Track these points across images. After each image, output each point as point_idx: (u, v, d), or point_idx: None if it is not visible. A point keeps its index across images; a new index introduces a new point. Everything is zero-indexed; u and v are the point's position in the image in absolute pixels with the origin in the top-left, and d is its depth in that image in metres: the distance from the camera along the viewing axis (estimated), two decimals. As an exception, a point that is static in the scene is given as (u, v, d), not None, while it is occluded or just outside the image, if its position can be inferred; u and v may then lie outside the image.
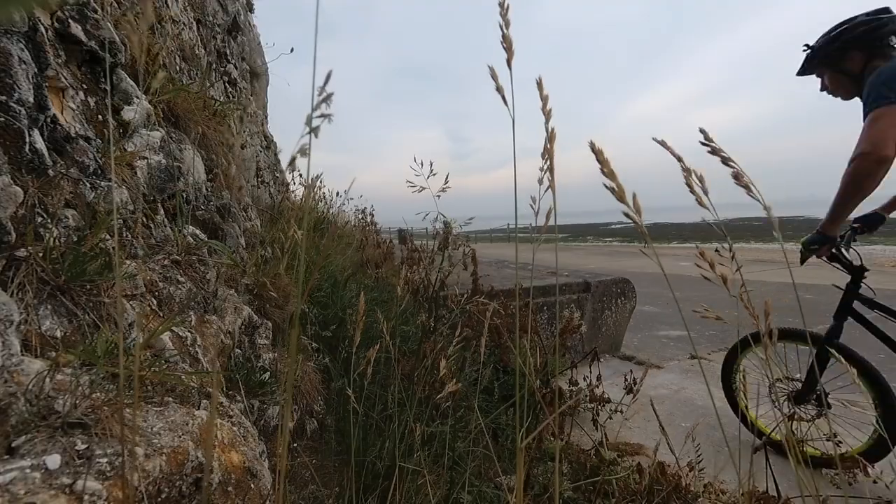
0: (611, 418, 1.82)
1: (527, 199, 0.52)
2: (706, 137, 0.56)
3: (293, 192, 3.64)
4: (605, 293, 3.36)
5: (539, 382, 1.76)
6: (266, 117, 3.69)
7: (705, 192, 0.55)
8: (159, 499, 0.52)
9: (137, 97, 1.09)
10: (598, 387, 1.88)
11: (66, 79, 0.86)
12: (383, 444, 1.25)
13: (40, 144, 0.72)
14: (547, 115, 0.48)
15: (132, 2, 1.26)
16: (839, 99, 1.68)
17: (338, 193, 4.00)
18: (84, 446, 0.49)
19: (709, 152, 0.57)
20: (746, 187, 0.55)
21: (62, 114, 0.83)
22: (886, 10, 1.52)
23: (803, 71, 1.73)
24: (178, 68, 1.64)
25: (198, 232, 1.23)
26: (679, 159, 0.56)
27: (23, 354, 0.54)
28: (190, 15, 1.92)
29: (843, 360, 0.68)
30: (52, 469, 0.45)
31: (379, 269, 3.03)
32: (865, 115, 1.42)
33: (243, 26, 2.82)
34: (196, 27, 2.00)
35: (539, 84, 0.47)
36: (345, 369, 1.63)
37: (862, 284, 1.67)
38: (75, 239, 0.72)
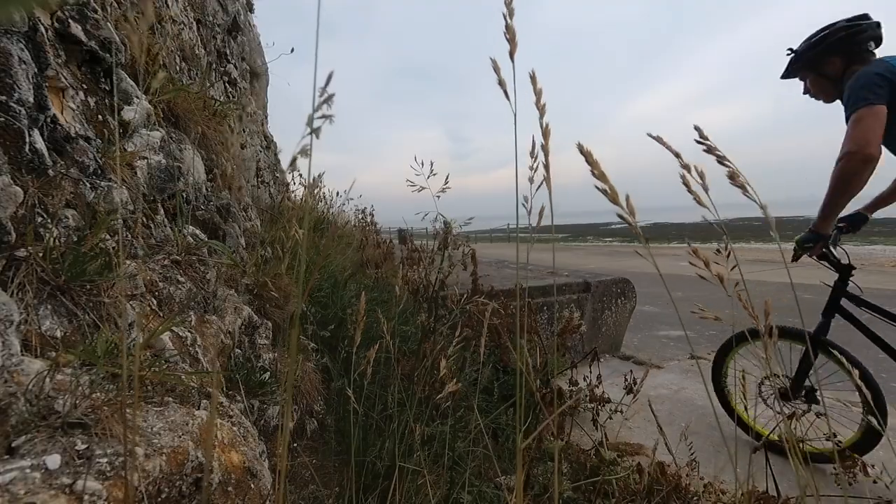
0: (611, 418, 1.82)
1: (523, 198, 0.52)
2: (701, 135, 0.56)
3: (293, 192, 3.64)
4: (605, 293, 3.36)
5: (539, 382, 1.76)
6: (266, 117, 3.70)
7: (705, 189, 0.55)
8: (159, 499, 0.52)
9: (137, 97, 1.09)
10: (597, 387, 1.88)
11: (66, 79, 0.86)
12: (383, 444, 1.25)
13: (40, 144, 0.72)
14: (541, 110, 0.47)
15: (132, 2, 1.26)
16: (821, 102, 1.73)
17: (338, 193, 4.01)
18: (84, 446, 0.49)
19: (704, 151, 0.57)
20: (742, 187, 0.55)
21: (62, 114, 0.83)
22: (865, 16, 1.58)
23: (787, 74, 1.79)
24: (178, 68, 1.64)
25: (198, 232, 1.23)
26: (677, 155, 0.55)
27: (23, 354, 0.54)
28: (190, 15, 1.92)
29: (841, 356, 0.68)
30: (52, 469, 0.45)
31: (379, 269, 3.03)
32: (848, 118, 1.47)
33: (243, 26, 2.82)
34: (196, 27, 2.00)
35: (532, 78, 0.47)
36: (345, 369, 1.63)
37: (849, 282, 1.71)
38: (75, 239, 0.72)
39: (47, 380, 0.52)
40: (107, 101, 1.02)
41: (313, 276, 1.86)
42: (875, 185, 1.71)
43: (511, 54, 0.48)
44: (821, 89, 1.70)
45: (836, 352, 1.66)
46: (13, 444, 0.46)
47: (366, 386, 1.28)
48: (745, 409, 2.00)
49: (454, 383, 0.90)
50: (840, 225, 1.83)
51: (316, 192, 3.29)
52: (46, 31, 0.83)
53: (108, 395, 0.56)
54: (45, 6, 0.81)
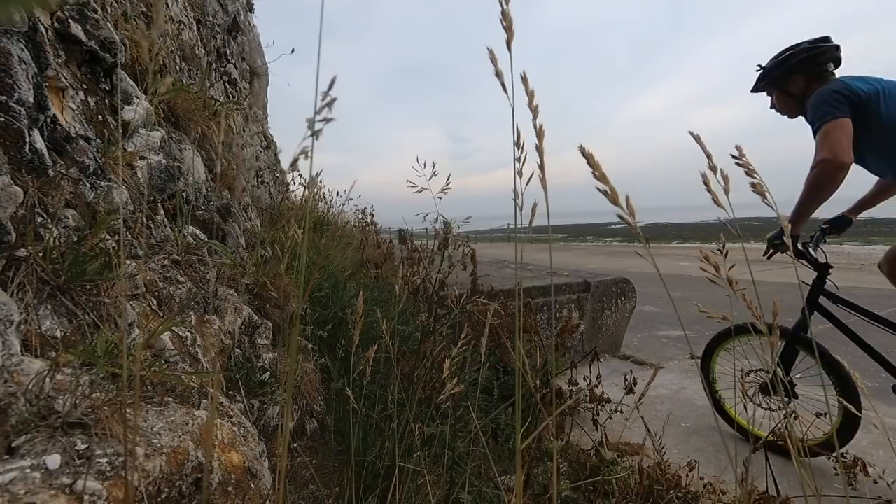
0: (611, 418, 1.82)
1: (520, 196, 0.51)
2: (740, 153, 0.58)
3: (293, 192, 3.64)
4: (605, 293, 3.36)
5: (539, 382, 1.77)
6: (266, 117, 3.69)
7: (726, 192, 0.57)
8: (159, 499, 0.52)
9: (137, 97, 1.09)
10: (597, 387, 1.88)
11: (66, 79, 0.86)
12: (383, 444, 1.25)
13: (40, 144, 0.72)
14: (534, 111, 0.47)
15: (132, 2, 1.26)
16: (786, 117, 1.85)
17: (338, 193, 4.01)
18: (84, 446, 0.49)
19: (736, 163, 0.58)
20: (762, 195, 0.57)
21: (62, 114, 0.83)
22: (827, 39, 1.71)
23: (756, 88, 1.90)
24: (178, 68, 1.64)
25: (198, 232, 1.23)
26: (709, 156, 0.58)
27: (23, 354, 0.54)
28: (190, 15, 1.92)
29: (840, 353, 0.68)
30: (52, 469, 0.45)
31: (379, 269, 3.03)
32: (815, 132, 1.58)
33: (243, 26, 2.82)
34: (196, 27, 2.00)
35: (524, 80, 0.46)
36: (345, 369, 1.63)
37: (827, 280, 1.79)
38: (75, 239, 0.72)
39: (47, 380, 0.52)
40: (107, 101, 1.02)
41: (313, 277, 1.86)
42: (858, 191, 1.88)
43: (508, 43, 0.47)
44: (785, 105, 1.82)
45: (806, 348, 1.78)
46: (13, 444, 0.46)
47: (366, 386, 1.28)
48: (721, 400, 2.08)
49: (454, 383, 0.90)
50: (825, 226, 1.95)
51: (315, 191, 3.29)
52: (46, 31, 0.83)
53: (108, 395, 0.56)
54: (45, 6, 0.81)
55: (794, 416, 1.49)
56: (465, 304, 1.57)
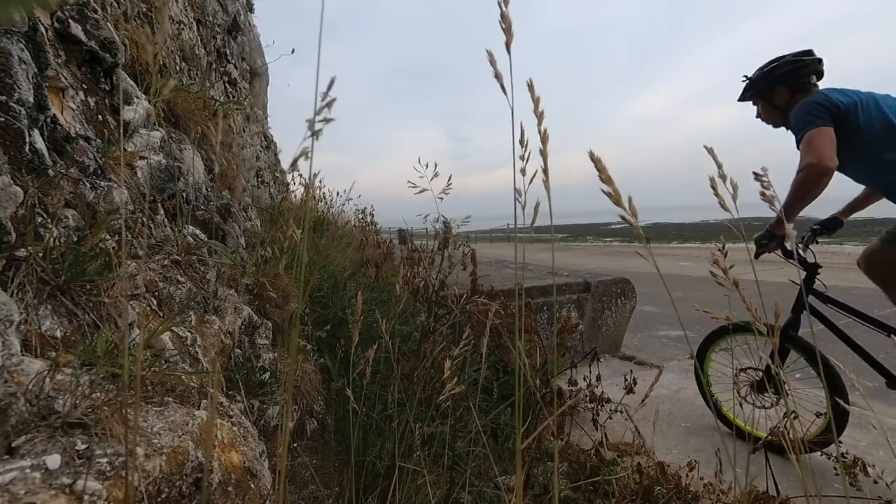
0: (611, 418, 1.82)
1: (521, 196, 0.52)
2: (763, 173, 0.61)
3: (293, 192, 3.64)
4: (605, 293, 3.36)
5: (539, 382, 1.77)
6: (266, 117, 3.69)
7: (734, 199, 0.59)
8: (159, 499, 0.52)
9: (137, 97, 1.09)
10: (597, 387, 1.88)
11: (66, 79, 0.86)
12: (383, 444, 1.25)
13: (40, 144, 0.72)
14: (539, 117, 0.48)
15: (132, 2, 1.26)
16: (770, 126, 1.94)
17: (338, 193, 4.01)
18: (84, 446, 0.49)
19: (755, 179, 0.61)
20: (770, 202, 0.60)
21: (62, 114, 0.83)
22: (809, 52, 1.79)
23: (742, 98, 1.97)
24: (178, 68, 1.64)
25: (198, 232, 1.23)
26: (719, 165, 0.60)
27: (23, 354, 0.54)
28: (190, 15, 1.92)
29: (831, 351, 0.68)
30: (52, 469, 0.45)
31: (379, 269, 3.02)
32: (798, 141, 1.64)
33: (243, 26, 2.82)
34: (196, 27, 2.00)
35: (530, 86, 0.47)
36: (344, 369, 1.63)
37: (816, 280, 1.83)
38: (75, 239, 0.72)
39: (47, 380, 0.52)
40: (107, 101, 1.02)
41: (313, 277, 1.86)
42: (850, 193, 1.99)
43: (507, 45, 0.47)
44: (770, 115, 1.89)
45: (795, 346, 1.83)
46: (13, 444, 0.46)
47: (366, 386, 1.28)
48: (718, 403, 2.12)
49: (454, 383, 0.90)
50: (815, 227, 2.02)
51: (314, 192, 3.29)
52: (46, 31, 0.83)
53: (108, 395, 0.56)
54: (45, 6, 0.81)
55: (794, 415, 1.49)
56: (465, 304, 1.57)
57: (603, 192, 0.46)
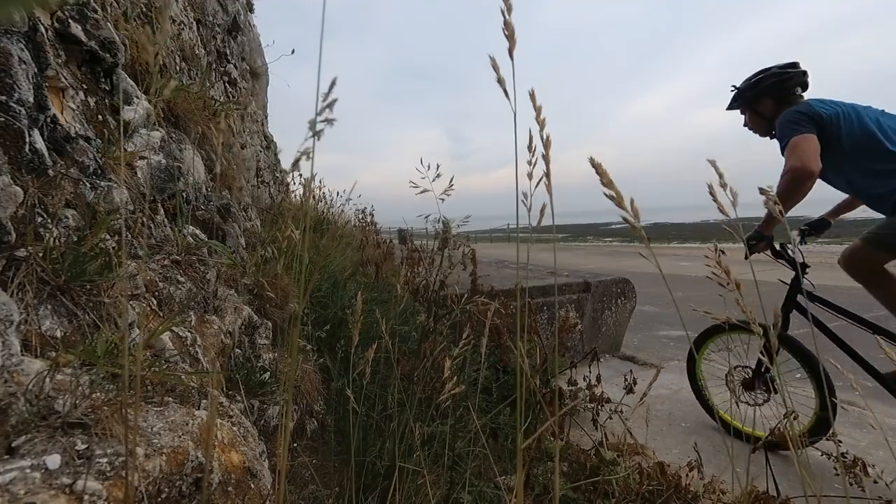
0: (611, 418, 1.82)
1: (522, 196, 0.53)
2: (766, 189, 0.67)
3: (294, 192, 3.64)
4: (605, 293, 3.36)
5: (539, 382, 1.77)
6: (266, 117, 3.69)
7: (734, 206, 0.61)
8: (159, 499, 0.52)
9: (137, 97, 1.09)
10: (597, 387, 1.88)
11: (66, 79, 0.86)
12: (383, 444, 1.25)
13: (40, 144, 0.72)
14: (541, 124, 0.49)
15: (132, 2, 1.26)
16: (757, 136, 2.00)
17: (338, 193, 4.01)
18: (84, 446, 0.49)
19: (761, 192, 0.67)
20: (774, 207, 0.63)
21: (62, 114, 0.83)
22: (795, 64, 1.85)
23: (730, 107, 2.04)
24: (178, 68, 1.64)
25: (198, 232, 1.23)
26: (720, 175, 0.61)
27: (23, 354, 0.54)
28: (190, 15, 1.92)
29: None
30: (52, 469, 0.45)
31: (379, 269, 3.02)
32: (783, 147, 1.71)
33: (243, 26, 2.82)
34: (196, 27, 2.00)
35: (532, 96, 0.49)
36: (344, 369, 1.63)
37: (804, 279, 1.86)
38: (75, 239, 0.72)
39: (47, 380, 0.52)
40: (107, 101, 1.02)
41: (313, 277, 1.86)
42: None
43: (510, 52, 0.48)
44: (756, 125, 1.96)
45: (784, 345, 1.89)
46: (13, 444, 0.46)
47: (365, 386, 1.28)
48: (706, 393, 2.20)
49: (454, 382, 0.90)
50: (804, 228, 2.09)
51: (313, 192, 3.28)
52: (46, 31, 0.83)
53: (108, 395, 0.56)
54: (45, 6, 0.81)
55: (794, 415, 1.50)
56: (465, 304, 1.57)
57: (606, 195, 0.47)
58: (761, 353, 0.81)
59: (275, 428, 1.14)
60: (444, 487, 1.19)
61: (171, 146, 1.21)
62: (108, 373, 0.59)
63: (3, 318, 0.52)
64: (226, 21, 2.46)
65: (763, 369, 1.95)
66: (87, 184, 0.81)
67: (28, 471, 0.44)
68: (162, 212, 1.11)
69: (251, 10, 3.25)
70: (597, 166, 0.46)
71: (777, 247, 1.90)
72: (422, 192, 1.52)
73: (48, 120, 0.77)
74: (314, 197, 3.72)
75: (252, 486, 0.68)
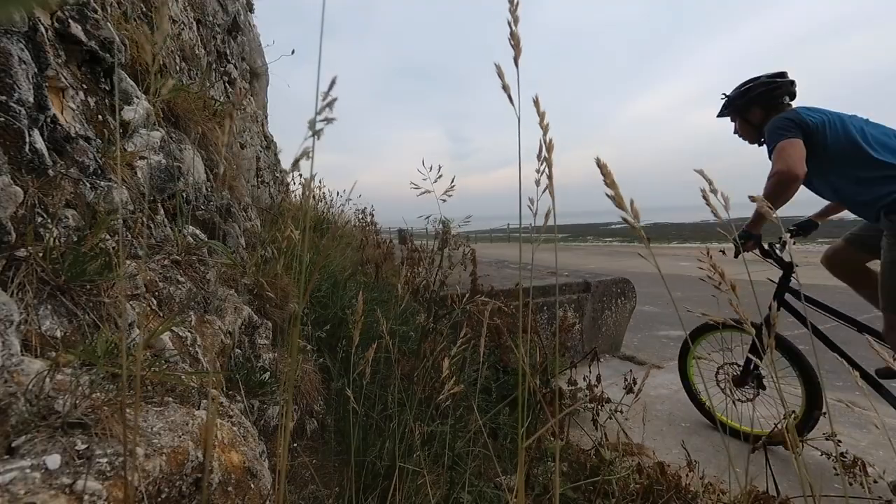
0: (611, 418, 1.82)
1: (527, 200, 0.53)
2: (755, 196, 0.68)
3: (294, 192, 3.64)
4: (605, 293, 3.36)
5: (539, 382, 1.77)
6: (266, 117, 3.69)
7: (726, 210, 0.62)
8: (159, 499, 0.52)
9: (137, 97, 1.09)
10: (597, 387, 1.88)
11: (66, 79, 0.86)
12: (383, 444, 1.25)
13: (40, 144, 0.72)
14: (545, 128, 0.51)
15: (132, 2, 1.25)
16: (746, 143, 2.05)
17: (338, 193, 4.01)
18: (84, 446, 0.49)
19: (751, 201, 0.69)
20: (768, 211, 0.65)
21: (62, 114, 0.83)
22: (783, 74, 1.91)
23: (721, 114, 2.09)
24: (178, 68, 1.64)
25: (198, 232, 1.23)
26: (710, 182, 0.63)
27: (23, 354, 0.54)
28: (190, 15, 1.92)
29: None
30: (52, 469, 0.45)
31: (379, 269, 3.02)
32: (770, 152, 1.76)
33: (243, 26, 2.82)
34: (196, 27, 2.00)
35: (536, 103, 0.50)
36: (345, 369, 1.63)
37: (791, 278, 1.93)
38: (75, 239, 0.72)
39: (47, 380, 0.52)
40: (107, 101, 1.02)
41: (313, 277, 1.86)
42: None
43: (516, 60, 0.49)
44: (745, 132, 2.01)
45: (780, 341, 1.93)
46: (13, 444, 0.46)
47: (365, 386, 1.28)
48: (696, 391, 2.26)
49: (454, 382, 0.90)
50: (792, 229, 2.15)
51: (312, 192, 3.28)
52: (46, 31, 0.83)
53: (108, 395, 0.56)
54: (45, 6, 0.81)
55: (794, 415, 1.50)
56: (465, 304, 1.57)
57: (607, 195, 0.47)
58: (750, 350, 0.82)
59: (275, 428, 1.14)
60: (444, 487, 1.19)
61: (171, 146, 1.21)
62: (108, 373, 0.59)
63: (3, 318, 0.52)
64: (226, 21, 2.46)
65: (752, 366, 1.99)
66: (87, 184, 0.81)
67: (28, 471, 0.44)
68: (162, 212, 1.11)
69: (251, 10, 3.25)
70: (602, 166, 0.47)
71: (765, 246, 1.94)
72: (423, 192, 1.52)
73: (48, 120, 0.77)
74: (314, 197, 3.72)
75: (252, 486, 0.68)
